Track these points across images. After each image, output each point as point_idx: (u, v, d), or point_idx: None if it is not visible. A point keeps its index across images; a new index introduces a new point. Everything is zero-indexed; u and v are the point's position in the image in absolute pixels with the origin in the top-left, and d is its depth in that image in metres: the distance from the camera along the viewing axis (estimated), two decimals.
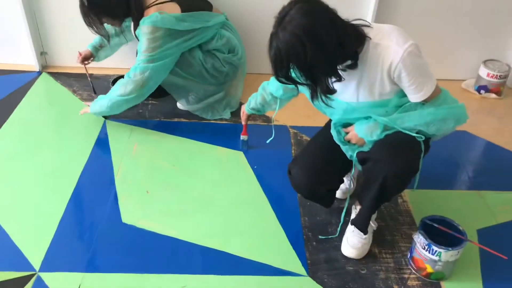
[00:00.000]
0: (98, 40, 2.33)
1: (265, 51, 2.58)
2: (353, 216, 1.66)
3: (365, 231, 1.59)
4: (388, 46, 1.31)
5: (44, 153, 2.07)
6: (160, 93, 2.28)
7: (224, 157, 2.10)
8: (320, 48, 1.21)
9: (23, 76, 2.59)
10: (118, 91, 2.09)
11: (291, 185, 1.64)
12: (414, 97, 1.38)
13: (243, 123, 2.04)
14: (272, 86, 1.79)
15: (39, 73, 2.63)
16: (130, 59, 2.51)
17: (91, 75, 2.45)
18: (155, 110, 2.39)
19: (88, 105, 2.21)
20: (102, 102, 2.13)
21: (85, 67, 2.38)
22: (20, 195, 1.83)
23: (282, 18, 1.24)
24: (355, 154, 1.51)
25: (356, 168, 1.60)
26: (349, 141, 1.54)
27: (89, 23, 2.03)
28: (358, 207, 1.63)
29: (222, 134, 2.25)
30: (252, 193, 1.91)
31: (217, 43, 2.21)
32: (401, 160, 1.40)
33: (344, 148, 1.55)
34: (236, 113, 2.38)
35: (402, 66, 1.30)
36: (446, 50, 2.69)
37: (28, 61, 2.63)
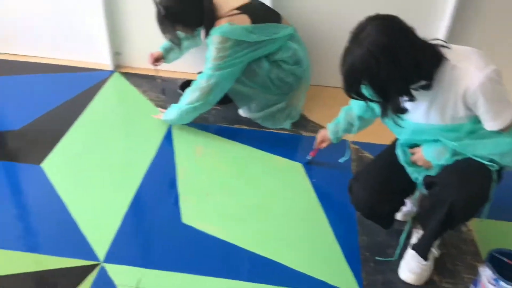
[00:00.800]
0: (169, 43, 2.42)
1: (330, 64, 2.58)
2: (414, 240, 1.62)
3: (425, 257, 1.54)
4: (467, 69, 1.27)
5: (113, 149, 2.17)
6: (223, 99, 2.33)
7: (283, 167, 2.12)
8: (395, 66, 1.19)
9: (98, 74, 2.74)
10: (186, 99, 2.17)
11: (351, 202, 1.62)
12: (489, 124, 1.33)
13: (317, 147, 2.01)
14: (357, 109, 1.74)
15: (112, 72, 2.77)
16: (197, 64, 2.59)
17: (160, 76, 2.54)
18: (218, 116, 2.44)
19: (162, 111, 2.30)
20: (173, 111, 2.22)
21: (156, 68, 2.48)
22: (89, 188, 1.93)
23: (358, 33, 1.23)
24: (421, 177, 1.47)
25: (420, 191, 1.56)
26: (415, 163, 1.50)
27: (163, 30, 2.12)
28: (420, 232, 1.59)
29: (282, 144, 2.27)
30: (309, 206, 1.90)
31: (283, 55, 2.23)
32: (471, 187, 1.35)
33: (409, 169, 1.51)
34: (296, 124, 2.40)
35: (480, 92, 1.26)
36: None
37: (103, 60, 2.77)
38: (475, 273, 1.51)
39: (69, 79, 2.69)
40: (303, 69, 2.31)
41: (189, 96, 2.16)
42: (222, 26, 2.06)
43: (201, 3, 2.08)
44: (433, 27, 2.46)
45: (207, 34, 2.14)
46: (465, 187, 1.35)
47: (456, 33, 2.43)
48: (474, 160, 1.37)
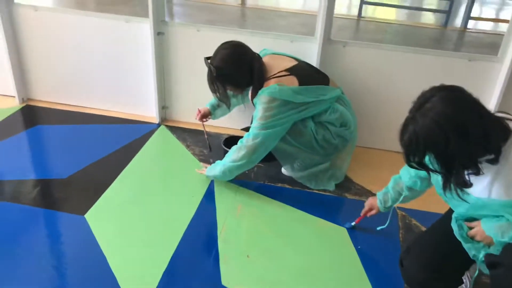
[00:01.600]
0: (216, 100, 2.46)
1: (377, 126, 2.56)
2: None
3: None
4: None
5: (155, 203, 2.17)
6: (267, 157, 2.32)
7: (326, 230, 2.05)
8: (463, 139, 1.15)
9: (145, 127, 2.81)
10: (231, 157, 2.19)
11: (402, 277, 1.54)
12: None
13: (364, 214, 1.95)
14: (406, 179, 1.69)
15: (158, 125, 2.84)
16: (242, 121, 2.62)
17: (207, 132, 2.57)
18: (260, 173, 2.43)
19: (205, 167, 2.33)
20: (217, 167, 2.24)
21: (203, 125, 2.52)
22: (130, 242, 1.92)
23: (422, 104, 1.20)
24: (481, 255, 1.38)
25: (480, 268, 1.45)
26: (472, 238, 1.42)
27: (213, 90, 2.18)
28: None
29: (325, 206, 2.22)
30: (354, 274, 1.81)
31: (330, 116, 2.22)
32: None
33: (466, 246, 1.42)
34: (340, 186, 2.35)
35: None
36: None
37: (151, 113, 2.86)
38: None
39: (118, 130, 2.78)
40: (350, 131, 2.29)
41: (234, 154, 2.17)
42: (270, 87, 2.09)
43: (252, 65, 2.13)
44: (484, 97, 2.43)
45: (254, 94, 2.17)
46: None
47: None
48: None
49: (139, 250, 1.87)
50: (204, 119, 2.50)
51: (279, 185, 2.35)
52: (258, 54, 2.21)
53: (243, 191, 2.28)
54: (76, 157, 2.46)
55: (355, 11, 6.05)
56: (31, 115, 2.90)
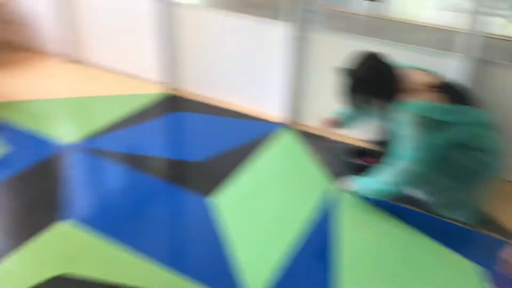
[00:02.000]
0: (345, 109, 2.43)
1: None
2: None
3: None
4: None
5: (273, 198, 2.26)
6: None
7: (456, 265, 1.89)
8: None
9: (273, 126, 2.94)
10: (382, 178, 2.08)
11: None
12: None
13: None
14: None
15: (286, 126, 2.94)
16: (367, 131, 2.58)
17: (335, 141, 2.57)
18: None
19: (349, 181, 2.25)
20: (364, 185, 2.16)
21: (330, 132, 2.52)
22: (249, 228, 2.03)
23: None
24: None
25: None
26: None
27: (348, 100, 2.12)
28: None
29: (459, 238, 2.05)
30: None
31: (473, 140, 2.04)
32: None
33: None
34: (478, 220, 2.16)
35: None
36: None
37: (280, 113, 2.98)
38: None
39: (248, 125, 2.94)
40: (493, 159, 2.08)
41: (387, 176, 2.05)
42: (418, 103, 1.98)
43: (391, 76, 2.06)
44: None
45: (390, 105, 2.09)
46: None
47: None
48: None
49: (258, 239, 1.97)
50: (332, 128, 2.47)
51: (410, 207, 2.23)
52: (398, 65, 2.13)
53: (371, 208, 2.21)
54: (209, 144, 2.66)
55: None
56: (175, 102, 3.21)
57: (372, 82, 2.08)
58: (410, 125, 1.97)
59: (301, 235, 2.01)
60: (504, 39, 5.40)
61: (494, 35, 5.45)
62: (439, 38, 4.83)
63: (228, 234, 1.98)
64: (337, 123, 2.46)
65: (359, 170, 2.47)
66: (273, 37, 2.82)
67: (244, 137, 2.77)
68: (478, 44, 2.28)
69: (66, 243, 1.87)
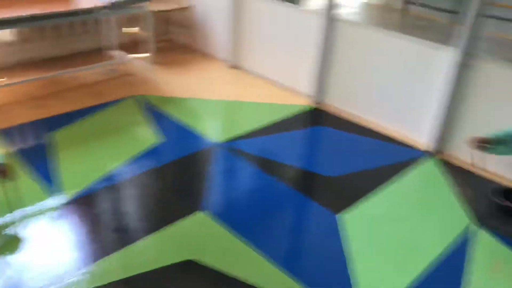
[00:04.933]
0: (505, 133, 2.14)
1: None
2: None
3: None
4: None
5: (404, 226, 2.17)
6: None
7: None
8: None
9: (416, 152, 2.81)
10: None
11: None
12: None
13: None
14: None
15: (429, 153, 2.79)
16: None
17: (483, 177, 2.33)
18: None
19: None
20: None
21: (479, 168, 2.31)
22: (375, 251, 2.00)
23: None
24: None
25: None
26: None
27: None
28: None
29: None
30: None
31: None
32: None
33: None
34: None
35: None
36: None
37: (426, 140, 2.83)
38: None
39: (390, 148, 2.87)
40: None
41: None
42: None
43: None
44: None
45: None
46: None
47: None
48: None
49: (381, 264, 1.92)
50: (482, 145, 2.18)
51: None
52: None
53: (506, 251, 2.03)
54: (347, 161, 2.67)
55: None
56: (318, 116, 3.27)
57: None
58: None
59: (429, 269, 1.90)
60: None
61: None
62: None
63: (352, 253, 1.96)
64: (488, 143, 2.17)
65: (506, 212, 2.24)
66: (433, 62, 2.70)
67: (384, 159, 2.71)
68: None
69: (200, 232, 2.06)
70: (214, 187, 2.38)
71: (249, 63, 3.89)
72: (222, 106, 3.34)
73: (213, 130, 2.97)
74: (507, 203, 2.26)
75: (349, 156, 2.75)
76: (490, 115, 2.48)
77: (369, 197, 2.34)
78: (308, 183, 2.47)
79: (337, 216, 2.19)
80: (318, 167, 2.62)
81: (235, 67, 3.97)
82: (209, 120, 3.12)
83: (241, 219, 2.14)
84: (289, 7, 3.48)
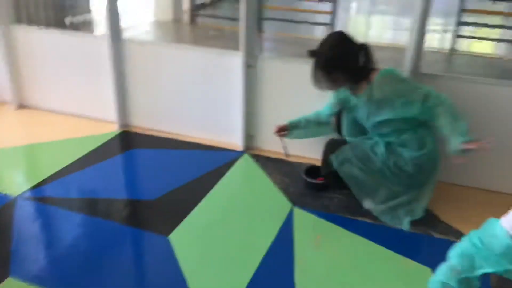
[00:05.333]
0: (299, 120, 2.50)
1: (470, 162, 2.38)
2: None
3: None
4: None
5: (235, 228, 2.22)
6: (345, 185, 2.29)
7: (408, 270, 1.95)
8: None
9: (229, 154, 2.92)
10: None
11: None
12: None
13: None
14: None
15: (243, 152, 2.94)
16: (318, 150, 2.59)
17: (285, 146, 2.56)
18: (341, 205, 2.39)
19: None
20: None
21: (280, 137, 2.54)
22: (209, 265, 1.98)
23: None
24: None
25: None
26: None
27: (317, 81, 2.14)
28: None
29: (407, 243, 2.12)
30: None
31: (408, 137, 2.16)
32: None
33: None
34: (426, 223, 2.23)
35: None
36: None
37: (236, 140, 2.97)
38: None
39: (205, 156, 2.91)
40: (427, 159, 2.18)
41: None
42: (387, 69, 2.13)
43: (360, 50, 2.11)
44: None
45: (360, 87, 2.15)
46: None
47: None
48: None
49: (216, 274, 1.92)
50: (281, 133, 2.52)
51: (360, 218, 2.29)
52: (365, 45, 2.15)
53: (322, 223, 2.25)
54: (165, 180, 2.61)
55: (448, 45, 5.81)
56: (128, 140, 3.15)
57: (341, 55, 2.09)
58: (400, 85, 2.08)
59: (264, 261, 1.98)
60: (443, 52, 5.66)
61: (434, 48, 5.74)
62: (389, 57, 5.00)
63: (188, 271, 1.91)
64: (287, 129, 2.51)
65: (318, 189, 2.50)
66: (227, 66, 2.83)
67: (204, 168, 2.74)
68: (417, 58, 2.36)
69: None
70: (23, 247, 2.06)
71: (41, 100, 3.52)
72: (15, 153, 2.94)
73: (8, 183, 2.59)
74: (316, 180, 2.52)
75: (168, 173, 2.71)
76: (282, 105, 2.73)
77: (196, 209, 2.34)
78: (134, 213, 2.34)
79: (169, 238, 2.12)
80: (139, 193, 2.51)
81: (24, 107, 3.55)
82: (3, 173, 2.71)
83: (65, 277, 1.89)
84: (71, 35, 3.27)
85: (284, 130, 2.53)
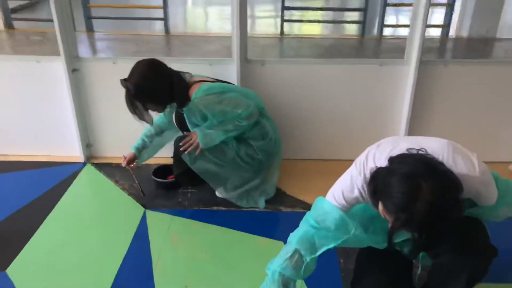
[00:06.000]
0: (140, 142, 2.40)
1: (300, 138, 2.59)
2: None
3: None
4: (461, 175, 1.21)
5: (86, 244, 2.07)
6: (197, 181, 2.29)
7: (265, 247, 2.04)
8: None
9: (69, 168, 2.69)
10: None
11: None
12: (483, 205, 1.39)
13: None
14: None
15: (84, 164, 2.73)
16: (168, 150, 2.55)
17: (136, 177, 2.44)
18: (194, 199, 2.39)
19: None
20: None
21: (130, 170, 2.41)
22: (57, 285, 1.82)
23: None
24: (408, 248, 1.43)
25: (422, 264, 1.53)
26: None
27: (133, 111, 2.09)
28: None
29: (262, 223, 2.22)
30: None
31: (251, 131, 2.24)
32: (480, 248, 1.35)
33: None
34: (274, 200, 2.36)
35: (477, 192, 1.30)
36: (489, 131, 2.64)
37: (74, 152, 2.75)
38: None
39: (41, 174, 2.64)
40: (272, 144, 2.31)
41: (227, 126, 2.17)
42: (201, 87, 2.12)
43: (171, 79, 2.10)
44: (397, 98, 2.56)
45: (183, 105, 2.14)
46: (477, 252, 1.34)
47: None
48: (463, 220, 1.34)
49: None
50: (131, 165, 2.39)
51: (215, 208, 2.32)
52: (176, 71, 2.17)
53: (178, 220, 2.23)
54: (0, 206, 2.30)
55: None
56: None
57: (150, 86, 2.06)
58: (215, 106, 2.09)
59: (119, 269, 1.90)
60: (274, 37, 6.05)
61: (265, 34, 6.10)
62: (228, 45, 5.15)
63: None
64: (135, 158, 2.40)
65: (170, 188, 2.46)
66: (49, 73, 2.58)
67: (39, 188, 2.48)
68: (243, 45, 2.45)
69: None
70: None
71: None
72: None
73: None
74: (166, 180, 2.48)
75: (1, 199, 2.39)
76: (118, 107, 2.55)
77: (36, 234, 2.11)
78: None
79: (7, 272, 1.88)
80: None
81: None
82: None
83: None
84: None
85: (133, 160, 2.40)
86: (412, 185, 1.09)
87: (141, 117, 2.13)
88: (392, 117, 2.62)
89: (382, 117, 2.63)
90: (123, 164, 2.36)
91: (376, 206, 1.22)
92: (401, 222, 1.10)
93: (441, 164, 1.17)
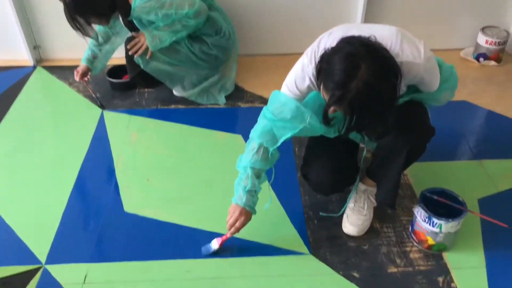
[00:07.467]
0: (89, 52, 2.28)
1: (258, 33, 2.55)
2: (359, 195, 1.65)
3: (395, 207, 1.59)
4: (407, 62, 1.25)
5: (44, 147, 2.08)
6: (153, 81, 2.26)
7: (223, 141, 2.11)
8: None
9: (18, 72, 2.59)
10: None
11: (310, 187, 1.67)
12: (426, 91, 1.44)
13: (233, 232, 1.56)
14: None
15: (34, 67, 2.63)
16: (120, 50, 2.46)
17: (93, 90, 2.38)
18: (152, 98, 2.38)
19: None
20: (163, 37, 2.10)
21: (86, 83, 2.34)
22: (22, 190, 1.85)
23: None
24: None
25: (367, 147, 1.63)
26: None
27: (75, 26, 1.97)
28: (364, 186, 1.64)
29: (221, 118, 2.26)
30: None
31: (203, 27, 2.17)
32: (420, 128, 1.44)
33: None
34: (232, 96, 2.38)
35: (421, 78, 1.33)
36: (443, 19, 2.65)
37: (22, 56, 2.62)
38: (412, 215, 1.58)
39: None
40: (227, 39, 2.26)
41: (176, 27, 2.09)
42: None
43: None
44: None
45: (125, 16, 2.05)
46: (416, 130, 1.42)
47: None
48: (405, 103, 1.42)
49: (33, 197, 1.82)
50: (85, 78, 2.31)
51: (173, 107, 2.33)
52: None
53: (136, 119, 2.24)
54: None
55: None
56: None
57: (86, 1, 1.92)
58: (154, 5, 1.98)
59: (80, 169, 1.94)
60: None
61: None
62: None
63: (1, 205, 1.78)
64: (88, 70, 2.30)
65: (126, 88, 2.43)
66: None
67: None
68: None
69: None
70: None
71: None
72: None
73: None
74: (121, 80, 2.44)
75: None
76: (59, 6, 2.43)
77: None
78: None
79: None
80: None
81: None
82: None
83: None
84: None
85: (86, 73, 2.29)
86: (352, 64, 1.12)
87: (84, 33, 2.01)
88: (349, 3, 2.57)
89: (340, 3, 2.57)
90: (77, 78, 2.28)
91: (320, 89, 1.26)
92: (335, 98, 1.15)
93: (384, 49, 1.19)
